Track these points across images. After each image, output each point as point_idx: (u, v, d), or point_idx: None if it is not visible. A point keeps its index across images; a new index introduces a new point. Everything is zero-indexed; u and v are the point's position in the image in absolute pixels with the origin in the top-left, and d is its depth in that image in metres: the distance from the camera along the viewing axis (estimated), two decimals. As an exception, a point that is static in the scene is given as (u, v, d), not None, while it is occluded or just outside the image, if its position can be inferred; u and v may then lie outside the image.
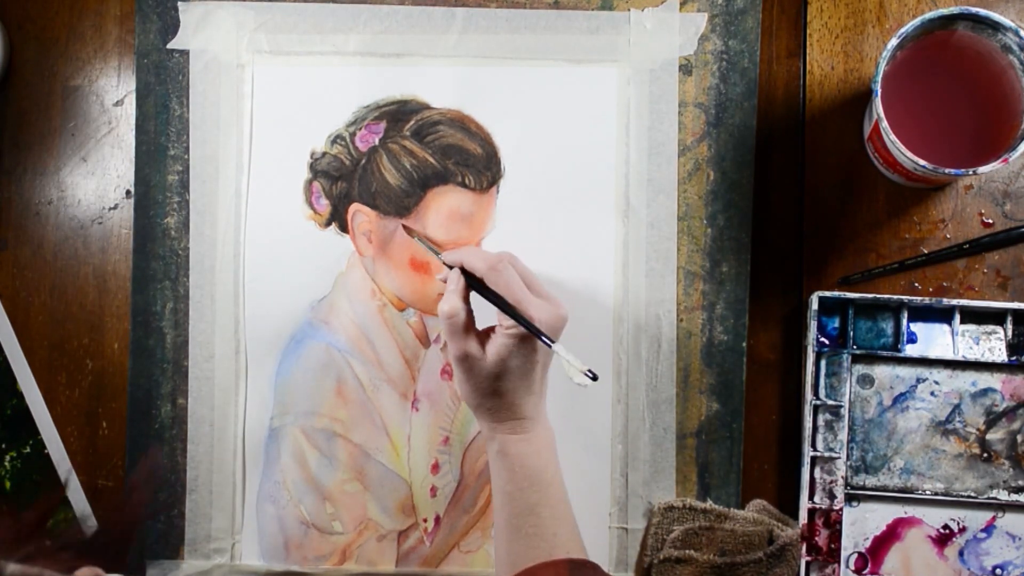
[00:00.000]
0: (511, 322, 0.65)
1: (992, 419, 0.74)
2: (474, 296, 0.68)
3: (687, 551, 0.72)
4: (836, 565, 0.74)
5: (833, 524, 0.74)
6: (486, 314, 0.68)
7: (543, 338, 0.65)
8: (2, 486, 0.78)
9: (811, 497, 0.74)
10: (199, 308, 0.77)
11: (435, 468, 0.77)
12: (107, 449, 0.78)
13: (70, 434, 0.78)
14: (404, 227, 0.76)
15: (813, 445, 0.74)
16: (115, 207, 0.79)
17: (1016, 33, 0.65)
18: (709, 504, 0.75)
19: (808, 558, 0.73)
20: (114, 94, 0.79)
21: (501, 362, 0.65)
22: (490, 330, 0.67)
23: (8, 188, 0.79)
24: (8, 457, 0.78)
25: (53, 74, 0.79)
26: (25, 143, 0.79)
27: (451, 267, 0.69)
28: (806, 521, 0.73)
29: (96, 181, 0.79)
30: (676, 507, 0.74)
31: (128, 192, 0.79)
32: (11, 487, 0.78)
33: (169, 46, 0.78)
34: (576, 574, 0.62)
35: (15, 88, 0.79)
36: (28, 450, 0.78)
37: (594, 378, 0.64)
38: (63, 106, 0.79)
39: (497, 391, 0.66)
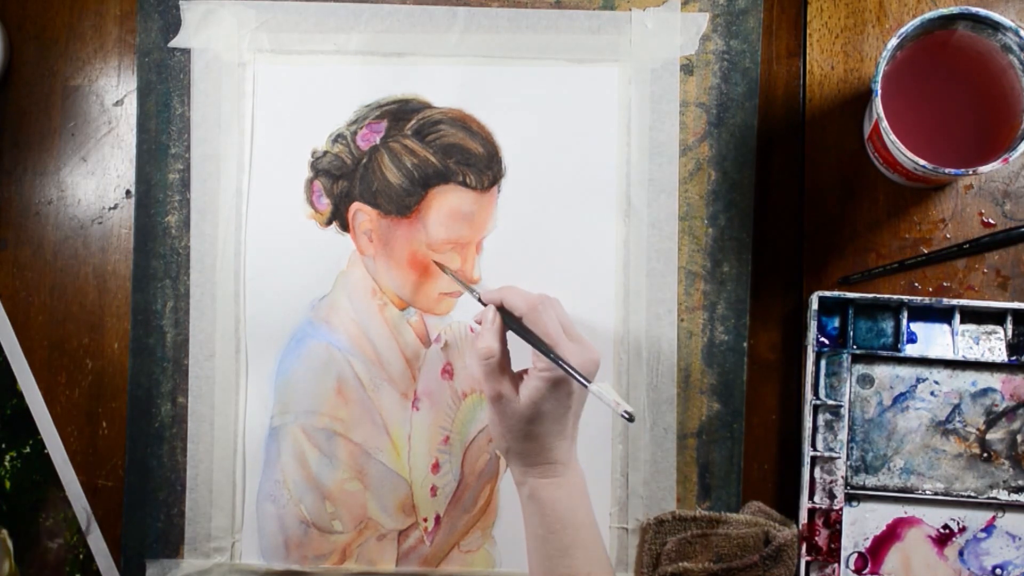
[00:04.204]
0: (545, 364, 0.64)
1: (992, 419, 0.74)
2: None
3: (681, 564, 0.72)
4: (836, 565, 0.74)
5: (833, 524, 0.74)
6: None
7: (579, 378, 0.63)
8: (2, 486, 0.77)
9: (811, 497, 0.74)
10: (199, 307, 0.77)
11: (435, 467, 0.77)
12: (107, 449, 0.78)
13: (70, 434, 0.78)
14: (436, 264, 0.76)
15: (813, 445, 0.74)
16: (115, 207, 0.79)
17: (1016, 33, 0.66)
18: (699, 512, 0.74)
19: (808, 558, 0.73)
20: (114, 94, 0.79)
21: (534, 405, 0.65)
22: (524, 372, 0.67)
23: (8, 188, 0.79)
24: (8, 457, 0.78)
25: (53, 74, 0.79)
26: (25, 143, 0.79)
27: (485, 304, 0.68)
28: (806, 521, 0.73)
29: (96, 181, 0.79)
30: (666, 520, 0.74)
31: (128, 192, 0.79)
32: (11, 487, 0.77)
33: (171, 45, 0.78)
34: None
35: (15, 88, 0.79)
36: (28, 450, 0.78)
37: (630, 419, 0.62)
38: (63, 106, 0.79)
39: (530, 434, 0.66)
